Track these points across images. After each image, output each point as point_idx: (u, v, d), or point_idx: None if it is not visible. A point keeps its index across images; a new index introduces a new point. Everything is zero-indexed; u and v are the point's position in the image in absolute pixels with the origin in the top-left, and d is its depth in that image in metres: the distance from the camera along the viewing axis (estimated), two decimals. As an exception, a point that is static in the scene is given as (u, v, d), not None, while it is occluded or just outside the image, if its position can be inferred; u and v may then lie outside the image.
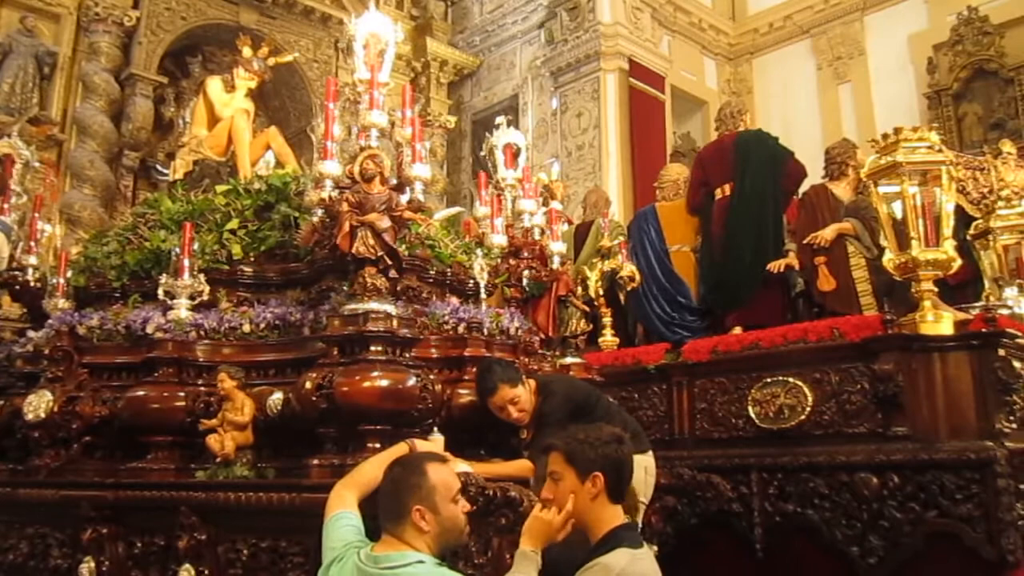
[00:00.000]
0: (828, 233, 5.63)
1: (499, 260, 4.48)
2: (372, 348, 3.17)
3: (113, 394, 3.77)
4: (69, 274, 4.43)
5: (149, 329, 3.73)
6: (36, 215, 5.13)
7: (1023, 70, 9.49)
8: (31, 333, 4.27)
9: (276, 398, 3.42)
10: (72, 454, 3.78)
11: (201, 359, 3.70)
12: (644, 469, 3.66)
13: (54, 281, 4.47)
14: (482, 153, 5.22)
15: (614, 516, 2.36)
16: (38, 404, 3.71)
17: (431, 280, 4.04)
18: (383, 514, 2.34)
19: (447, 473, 2.41)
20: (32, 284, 4.80)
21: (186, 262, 3.79)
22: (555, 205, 4.99)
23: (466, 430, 3.49)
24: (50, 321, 4.12)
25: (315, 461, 3.17)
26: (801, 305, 6.07)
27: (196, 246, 3.88)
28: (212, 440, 3.39)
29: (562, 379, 3.92)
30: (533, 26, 11.93)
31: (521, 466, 3.32)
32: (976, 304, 5.27)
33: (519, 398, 3.41)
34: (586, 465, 2.35)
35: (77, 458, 3.79)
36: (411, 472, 2.35)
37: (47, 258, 5.13)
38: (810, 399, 4.40)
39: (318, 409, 3.13)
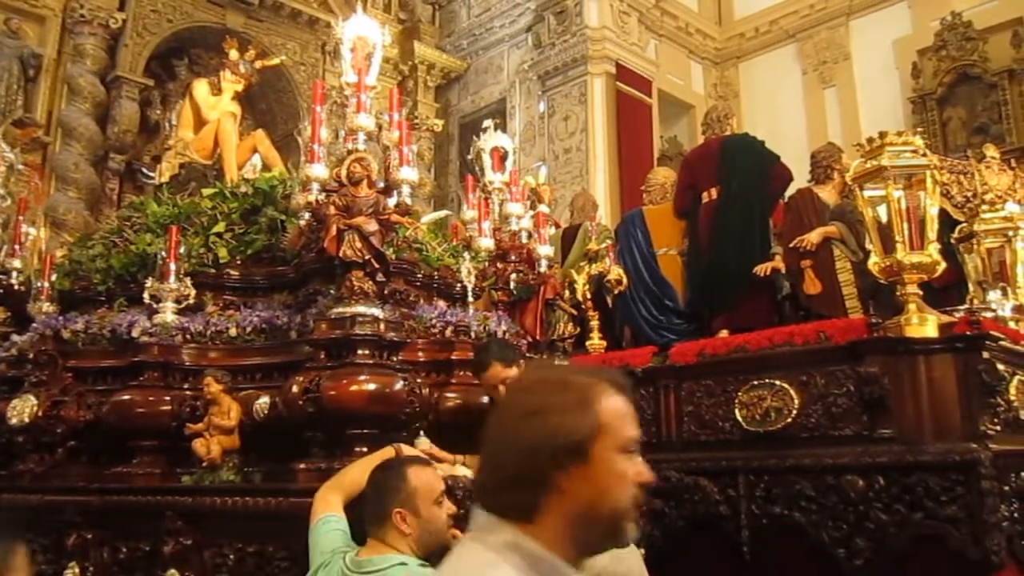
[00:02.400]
0: (814, 236, 5.66)
1: (486, 263, 4.49)
2: (359, 352, 3.17)
3: (98, 398, 3.75)
4: (54, 277, 4.41)
5: (135, 333, 3.71)
6: (20, 218, 5.09)
7: (1006, 75, 9.57)
8: (15, 337, 4.24)
9: (263, 402, 3.41)
10: (57, 459, 3.76)
11: (187, 363, 3.69)
12: (632, 473, 3.66)
13: (39, 285, 4.45)
14: (469, 156, 5.23)
15: None
16: (22, 408, 3.69)
17: (418, 283, 4.04)
18: (367, 518, 2.35)
19: (429, 476, 2.41)
20: (16, 287, 4.76)
21: (172, 266, 3.78)
22: (542, 208, 5.00)
23: (454, 433, 3.48)
24: (34, 325, 4.09)
25: (302, 465, 3.16)
26: (787, 308, 6.09)
27: (182, 249, 3.87)
28: (198, 444, 3.38)
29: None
30: (520, 30, 11.95)
31: None
32: (960, 307, 5.30)
33: (512, 380, 3.39)
34: None
35: (62, 463, 3.77)
36: (392, 476, 2.36)
37: (32, 261, 5.10)
38: (796, 402, 4.40)
39: (305, 413, 3.12)
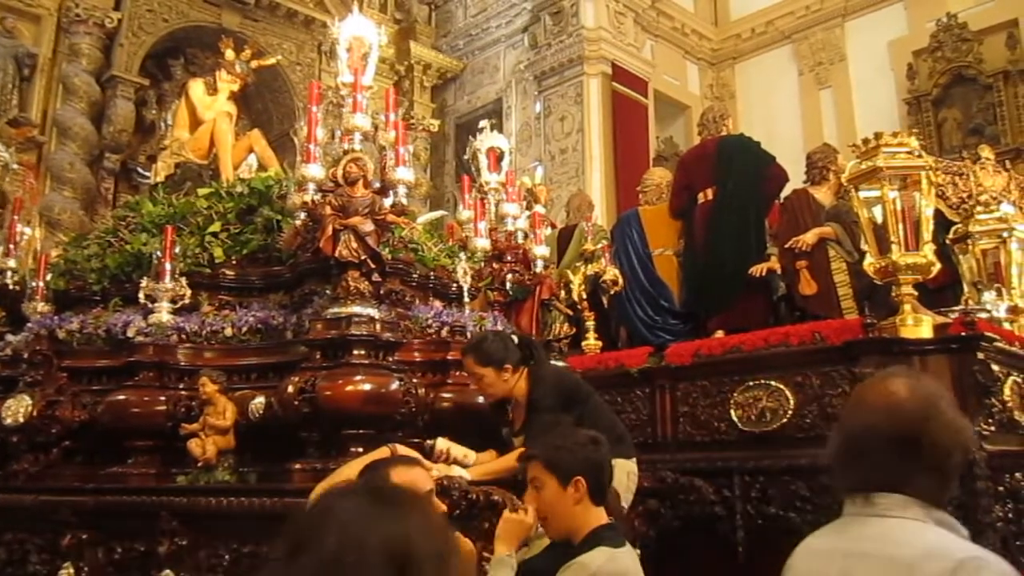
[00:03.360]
0: (809, 237, 5.67)
1: (482, 264, 4.49)
2: (355, 352, 3.17)
3: (93, 398, 3.74)
4: (49, 277, 4.40)
5: (130, 333, 3.71)
6: (15, 218, 5.08)
7: (1001, 76, 9.59)
8: (10, 337, 4.23)
9: (258, 402, 3.41)
10: (51, 459, 3.75)
11: (182, 363, 3.69)
12: (627, 474, 3.66)
13: (33, 284, 4.43)
14: (466, 157, 5.24)
15: (597, 517, 2.37)
16: (17, 408, 3.68)
17: (414, 284, 4.04)
18: None
19: (415, 476, 2.38)
20: (11, 287, 4.75)
21: (167, 265, 3.78)
22: (538, 209, 5.00)
23: (450, 434, 3.48)
24: (29, 325, 4.08)
25: (297, 465, 3.16)
26: (783, 309, 6.10)
27: (177, 249, 3.87)
28: (193, 444, 3.38)
29: (552, 367, 3.93)
30: (517, 30, 11.94)
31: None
32: (955, 308, 5.31)
33: (483, 379, 3.37)
34: (566, 471, 2.35)
35: (56, 463, 3.76)
36: (375, 478, 2.32)
37: (26, 261, 5.08)
38: (792, 402, 4.41)
39: (300, 413, 3.12)
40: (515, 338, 3.62)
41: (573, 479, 2.34)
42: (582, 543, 2.31)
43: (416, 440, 3.37)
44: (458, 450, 3.30)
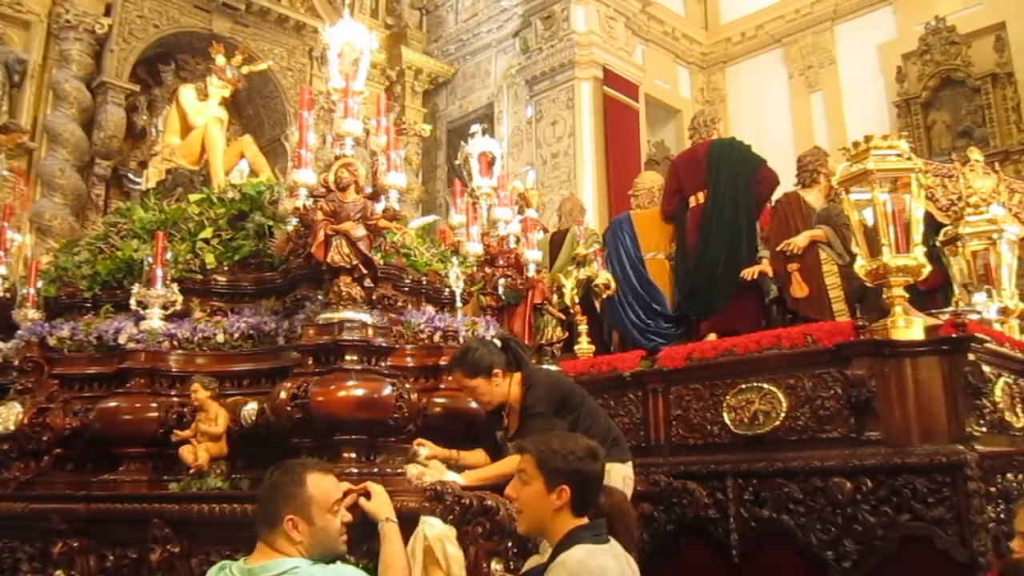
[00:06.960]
0: (801, 240, 5.69)
1: (474, 268, 4.48)
2: (347, 357, 3.16)
3: (84, 405, 3.72)
4: (39, 284, 4.37)
5: (121, 339, 3.69)
6: (5, 224, 5.06)
7: (990, 79, 9.66)
8: (0, 344, 4.21)
9: (250, 408, 3.40)
10: (42, 466, 3.73)
11: (174, 369, 3.66)
12: (623, 479, 3.66)
13: (24, 291, 4.41)
14: (457, 161, 5.23)
15: (574, 524, 2.33)
16: (7, 416, 3.66)
17: (406, 289, 4.03)
18: (259, 519, 2.28)
19: (328, 483, 2.36)
20: (1, 294, 4.73)
21: (159, 271, 3.76)
22: (530, 213, 5.00)
23: (442, 439, 3.48)
24: (20, 332, 4.06)
25: (290, 472, 3.14)
26: (775, 311, 6.12)
27: (169, 255, 3.85)
28: (185, 451, 3.36)
29: (546, 372, 3.92)
30: (508, 35, 11.97)
31: (514, 462, 3.25)
32: (946, 309, 5.34)
33: (476, 390, 3.38)
34: (554, 476, 2.32)
35: (47, 470, 3.74)
36: (290, 480, 2.29)
37: (17, 268, 5.06)
38: (784, 405, 4.42)
39: (293, 419, 3.11)
40: (497, 341, 3.62)
41: (558, 486, 2.31)
42: (559, 545, 2.29)
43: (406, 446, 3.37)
44: (438, 464, 3.24)
